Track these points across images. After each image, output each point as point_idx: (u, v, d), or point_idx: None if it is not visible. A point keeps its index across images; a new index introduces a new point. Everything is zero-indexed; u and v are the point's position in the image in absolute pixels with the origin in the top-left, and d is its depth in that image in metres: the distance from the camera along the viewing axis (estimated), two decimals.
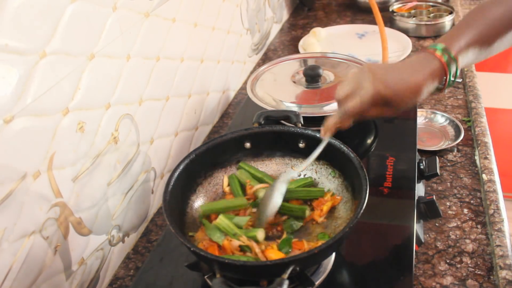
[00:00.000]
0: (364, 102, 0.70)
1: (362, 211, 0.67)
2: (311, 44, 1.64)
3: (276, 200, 0.77)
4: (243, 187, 0.85)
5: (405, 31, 1.71)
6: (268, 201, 0.77)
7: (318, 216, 0.79)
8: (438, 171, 0.96)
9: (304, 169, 0.86)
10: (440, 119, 1.23)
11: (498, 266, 0.81)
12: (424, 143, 1.16)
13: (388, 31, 1.63)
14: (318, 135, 0.83)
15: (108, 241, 0.86)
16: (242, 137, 0.88)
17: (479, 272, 0.82)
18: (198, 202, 0.84)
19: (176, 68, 1.05)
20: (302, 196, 0.82)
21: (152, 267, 0.81)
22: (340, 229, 0.74)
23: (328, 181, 0.85)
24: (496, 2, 0.76)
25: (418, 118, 1.14)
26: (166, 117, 1.03)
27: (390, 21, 1.79)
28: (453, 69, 0.71)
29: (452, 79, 0.72)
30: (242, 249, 0.73)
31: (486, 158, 1.06)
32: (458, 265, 0.83)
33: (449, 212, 0.95)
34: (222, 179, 0.88)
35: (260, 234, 0.74)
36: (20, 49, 0.61)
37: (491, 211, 0.92)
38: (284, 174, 0.81)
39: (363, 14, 1.96)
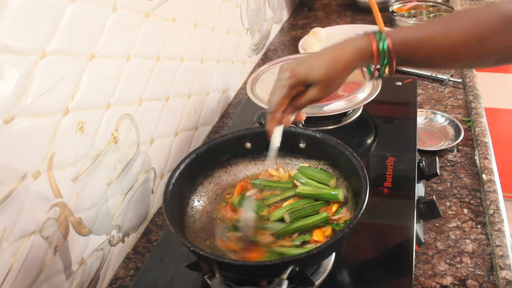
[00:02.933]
0: (282, 91, 0.69)
1: (362, 211, 0.67)
2: (311, 44, 1.64)
3: (249, 215, 0.76)
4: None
5: None
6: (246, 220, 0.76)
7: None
8: (438, 171, 0.96)
9: (269, 165, 0.84)
10: (440, 119, 1.23)
11: (498, 266, 0.81)
12: (424, 143, 1.16)
13: None
14: (318, 135, 0.83)
15: (108, 241, 0.86)
16: (242, 137, 0.88)
17: (479, 272, 0.82)
18: (198, 202, 0.84)
19: (176, 68, 1.05)
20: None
21: (152, 267, 0.81)
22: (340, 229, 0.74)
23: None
24: (456, 16, 0.71)
25: (418, 118, 1.14)
26: (166, 117, 1.03)
27: (390, 21, 1.79)
28: (381, 58, 0.68)
29: (382, 67, 0.69)
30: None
31: (486, 158, 1.06)
32: (458, 265, 0.83)
33: (449, 212, 0.95)
34: (223, 178, 0.88)
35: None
36: (20, 49, 0.61)
37: (491, 211, 0.92)
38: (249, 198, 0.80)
39: (363, 14, 1.96)
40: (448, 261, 0.84)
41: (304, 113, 0.76)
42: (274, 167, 0.89)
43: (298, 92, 0.71)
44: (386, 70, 0.70)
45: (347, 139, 0.82)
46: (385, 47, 0.67)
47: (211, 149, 0.85)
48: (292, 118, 0.74)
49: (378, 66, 0.70)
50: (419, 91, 1.37)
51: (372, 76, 0.74)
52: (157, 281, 0.78)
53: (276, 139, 0.75)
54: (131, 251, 0.93)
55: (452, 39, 0.66)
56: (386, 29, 0.69)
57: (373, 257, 0.79)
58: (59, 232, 0.72)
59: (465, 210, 0.95)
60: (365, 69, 0.75)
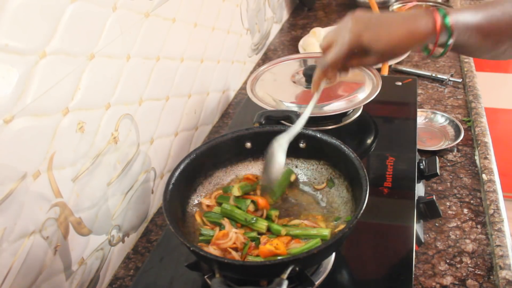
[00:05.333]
0: (341, 50, 0.68)
1: (362, 211, 0.67)
2: (311, 44, 1.64)
3: (280, 160, 0.75)
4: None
5: None
6: (271, 164, 0.76)
7: None
8: (438, 171, 0.96)
9: (299, 130, 0.80)
10: (440, 119, 1.23)
11: (498, 266, 0.81)
12: (424, 143, 1.16)
13: None
14: (318, 135, 0.83)
15: (108, 241, 0.86)
16: (242, 137, 0.87)
17: (479, 272, 0.82)
18: (198, 202, 0.84)
19: (176, 68, 1.05)
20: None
21: (152, 267, 0.81)
22: (340, 229, 0.74)
23: (328, 181, 0.85)
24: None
25: (418, 118, 1.14)
26: (166, 117, 1.03)
27: None
28: (444, 36, 0.67)
29: (442, 46, 0.68)
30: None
31: (486, 158, 1.06)
32: (458, 265, 0.83)
33: (449, 212, 0.95)
34: (223, 178, 0.88)
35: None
36: (20, 49, 0.61)
37: (491, 211, 0.92)
38: (281, 136, 0.78)
39: None
40: (448, 261, 0.84)
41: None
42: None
43: (355, 53, 0.70)
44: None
45: (347, 139, 0.82)
46: (448, 24, 0.66)
47: (211, 149, 0.84)
48: (337, 75, 0.75)
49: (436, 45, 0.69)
50: (419, 91, 1.37)
51: (429, 54, 0.72)
52: (157, 281, 0.78)
53: (314, 101, 0.77)
54: (131, 251, 0.93)
55: (504, 24, 0.67)
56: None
57: (373, 257, 0.78)
58: (59, 232, 0.72)
59: (465, 210, 0.95)
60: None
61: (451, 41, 0.67)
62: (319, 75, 0.74)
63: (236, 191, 0.83)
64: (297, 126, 0.79)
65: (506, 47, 0.69)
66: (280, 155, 0.76)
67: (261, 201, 0.82)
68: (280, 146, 0.77)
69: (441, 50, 0.69)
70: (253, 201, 0.81)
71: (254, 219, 0.78)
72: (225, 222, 0.78)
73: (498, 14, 0.67)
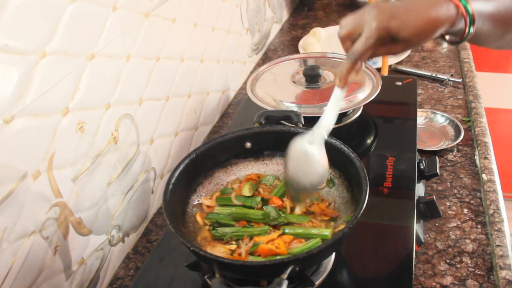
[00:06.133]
0: (370, 39, 0.66)
1: (362, 211, 0.67)
2: (311, 44, 1.64)
3: (316, 161, 0.72)
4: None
5: None
6: (310, 165, 0.72)
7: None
8: (438, 171, 0.96)
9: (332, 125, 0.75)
10: (440, 119, 1.23)
11: (498, 266, 0.81)
12: (424, 143, 1.16)
13: None
14: None
15: (108, 241, 0.86)
16: (242, 137, 0.88)
17: (479, 272, 0.82)
18: (198, 202, 0.84)
19: (176, 68, 1.05)
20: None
21: (152, 267, 0.81)
22: (340, 229, 0.74)
23: (328, 181, 0.85)
24: None
25: (418, 118, 1.14)
26: (166, 117, 1.03)
27: None
28: (465, 22, 0.67)
29: (458, 34, 0.68)
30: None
31: (486, 158, 1.06)
32: (458, 265, 0.83)
33: (449, 212, 0.95)
34: (223, 178, 0.88)
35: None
36: (20, 49, 0.61)
37: (491, 211, 0.92)
38: (311, 132, 0.73)
39: None
40: (448, 261, 0.84)
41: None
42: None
43: (382, 42, 0.67)
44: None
45: (347, 139, 0.82)
46: (469, 10, 0.65)
47: (211, 149, 0.85)
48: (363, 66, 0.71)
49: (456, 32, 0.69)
50: (419, 91, 1.37)
51: (455, 40, 0.71)
52: (157, 281, 0.78)
53: (342, 97, 0.72)
54: (131, 251, 0.93)
55: None
56: None
57: (373, 257, 0.78)
58: (59, 232, 0.72)
59: (465, 210, 0.95)
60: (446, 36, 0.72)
61: (473, 29, 0.67)
62: (349, 66, 0.70)
63: (246, 191, 0.83)
64: (329, 121, 0.73)
65: None
66: (322, 153, 0.72)
67: (276, 200, 0.81)
68: (317, 144, 0.72)
69: (458, 38, 0.69)
70: (262, 199, 0.81)
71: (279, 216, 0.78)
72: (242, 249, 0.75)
73: (507, 3, 0.67)
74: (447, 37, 0.72)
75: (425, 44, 0.71)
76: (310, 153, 0.73)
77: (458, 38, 0.70)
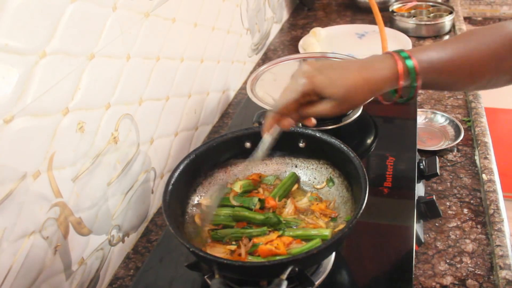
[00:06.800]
0: (293, 93, 0.64)
1: (362, 211, 0.67)
2: (311, 44, 1.64)
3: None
4: None
5: (405, 31, 1.71)
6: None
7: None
8: (438, 171, 0.96)
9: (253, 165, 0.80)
10: (440, 119, 1.23)
11: (498, 266, 0.81)
12: (424, 143, 1.16)
13: (388, 31, 1.62)
14: (318, 135, 0.83)
15: (108, 241, 0.86)
16: (242, 137, 0.88)
17: (479, 272, 0.82)
18: (198, 202, 0.84)
19: (176, 68, 1.05)
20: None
21: (152, 267, 0.81)
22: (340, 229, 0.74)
23: (328, 180, 0.85)
24: (491, 29, 0.66)
25: (418, 118, 1.14)
26: (166, 117, 1.03)
27: (390, 21, 1.79)
28: (408, 80, 0.64)
29: (411, 88, 0.65)
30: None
31: (486, 158, 1.06)
32: (458, 265, 0.83)
33: (449, 212, 0.95)
34: (223, 179, 0.88)
35: None
36: (20, 49, 0.61)
37: (491, 211, 0.92)
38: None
39: (363, 14, 1.96)
40: (448, 261, 0.84)
41: (313, 118, 0.70)
42: (257, 168, 0.89)
43: (309, 100, 0.66)
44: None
45: (347, 139, 0.82)
46: (411, 66, 0.63)
47: (211, 149, 0.85)
48: (292, 123, 0.69)
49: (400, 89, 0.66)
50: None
51: (395, 98, 0.69)
52: (157, 281, 0.78)
53: (267, 141, 0.71)
54: (131, 251, 0.93)
55: (473, 59, 0.64)
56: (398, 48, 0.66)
57: (373, 257, 0.79)
58: (59, 232, 0.72)
59: (465, 210, 0.95)
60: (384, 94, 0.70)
61: (417, 83, 0.64)
62: (268, 120, 0.68)
63: (237, 187, 0.83)
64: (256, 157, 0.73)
65: (488, 79, 0.67)
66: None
67: (271, 200, 0.81)
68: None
69: (407, 93, 0.66)
70: (260, 199, 0.81)
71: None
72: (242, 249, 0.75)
73: (466, 49, 0.65)
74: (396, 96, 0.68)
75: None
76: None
77: (405, 96, 0.67)
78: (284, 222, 0.78)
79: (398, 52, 0.65)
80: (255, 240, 0.74)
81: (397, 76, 0.64)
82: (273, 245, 0.72)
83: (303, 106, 0.67)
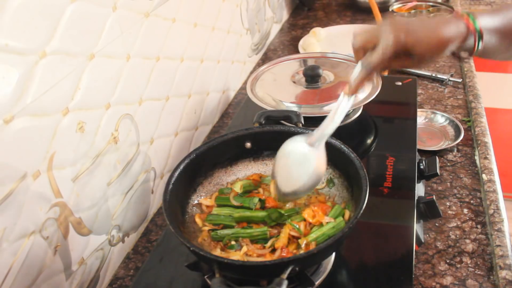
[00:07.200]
0: (386, 52, 0.68)
1: (362, 211, 0.67)
2: (311, 44, 1.64)
3: (312, 164, 0.72)
4: None
5: None
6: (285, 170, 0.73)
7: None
8: (438, 171, 0.96)
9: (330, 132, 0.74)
10: (440, 119, 1.23)
11: (498, 266, 0.81)
12: (424, 143, 1.16)
13: None
14: None
15: (108, 241, 0.86)
16: (242, 137, 0.88)
17: (479, 272, 0.82)
18: (198, 202, 0.84)
19: (176, 68, 1.05)
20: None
21: (152, 267, 0.81)
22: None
23: (328, 181, 0.85)
24: None
25: (418, 118, 1.14)
26: (166, 117, 1.03)
27: None
28: (472, 39, 0.70)
29: (469, 49, 0.71)
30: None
31: (486, 158, 1.06)
32: (458, 265, 0.83)
33: (449, 212, 0.95)
34: (223, 178, 0.88)
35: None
36: (20, 49, 0.61)
37: (491, 211, 0.92)
38: (307, 135, 0.73)
39: (363, 14, 1.96)
40: (448, 261, 0.84)
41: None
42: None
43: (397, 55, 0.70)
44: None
45: (347, 139, 0.82)
46: (477, 27, 0.69)
47: (211, 149, 0.85)
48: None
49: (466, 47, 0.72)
50: (419, 91, 1.37)
51: (466, 56, 0.75)
52: (157, 281, 0.78)
53: (349, 106, 0.72)
54: (131, 251, 0.93)
55: None
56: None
57: (373, 257, 0.79)
58: (59, 232, 0.72)
59: (465, 210, 0.95)
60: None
61: (481, 44, 0.70)
62: (363, 75, 0.71)
63: (238, 188, 0.83)
64: (330, 127, 0.73)
65: None
66: (320, 157, 0.72)
67: (271, 200, 0.81)
68: (316, 147, 0.72)
69: (468, 53, 0.72)
70: (260, 199, 0.81)
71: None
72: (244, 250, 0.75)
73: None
74: (460, 53, 0.74)
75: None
76: (307, 155, 0.72)
77: (468, 53, 0.73)
78: (286, 214, 0.78)
79: (467, 13, 0.71)
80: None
81: (467, 34, 0.69)
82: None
83: (392, 59, 0.70)
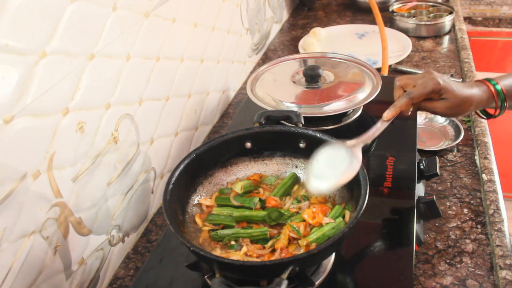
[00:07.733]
0: (426, 87, 0.82)
1: (362, 211, 0.67)
2: (311, 44, 1.64)
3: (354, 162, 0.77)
4: None
5: (405, 31, 1.71)
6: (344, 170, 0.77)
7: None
8: (438, 171, 0.96)
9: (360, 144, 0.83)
10: (440, 119, 1.23)
11: (498, 266, 0.81)
12: (424, 143, 1.16)
13: (388, 31, 1.63)
14: (318, 135, 0.83)
15: (108, 241, 0.86)
16: (242, 137, 0.87)
17: (479, 272, 0.82)
18: (198, 202, 0.84)
19: (176, 68, 1.05)
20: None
21: (152, 267, 0.81)
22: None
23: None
24: None
25: (418, 118, 1.14)
26: (166, 117, 1.03)
27: (390, 21, 1.79)
28: (500, 98, 0.85)
29: (502, 105, 0.86)
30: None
31: (486, 158, 1.06)
32: (458, 265, 0.83)
33: (449, 212, 0.95)
34: (223, 178, 0.88)
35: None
36: (20, 49, 0.61)
37: (491, 211, 0.92)
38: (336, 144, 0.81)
39: (363, 14, 1.96)
40: (448, 261, 0.84)
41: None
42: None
43: (431, 97, 0.84)
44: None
45: (347, 139, 0.82)
46: (499, 89, 0.85)
47: (211, 149, 0.84)
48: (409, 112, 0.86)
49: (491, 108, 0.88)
50: None
51: (490, 116, 0.91)
52: (157, 281, 0.78)
53: (383, 128, 0.84)
54: (131, 251, 0.93)
55: None
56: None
57: (373, 257, 0.78)
58: (59, 232, 0.72)
59: (465, 210, 0.95)
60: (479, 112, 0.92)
61: (506, 104, 0.85)
62: (403, 103, 0.83)
63: (238, 188, 0.83)
64: (367, 138, 0.84)
65: None
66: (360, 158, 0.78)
67: (271, 200, 0.81)
68: (357, 149, 0.80)
69: (497, 112, 0.88)
70: (260, 199, 0.81)
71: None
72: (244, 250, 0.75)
73: None
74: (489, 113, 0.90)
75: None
76: (348, 150, 0.80)
77: (495, 113, 0.89)
78: (286, 214, 0.78)
79: (487, 79, 0.87)
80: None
81: (491, 96, 0.85)
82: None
83: (425, 99, 0.85)
